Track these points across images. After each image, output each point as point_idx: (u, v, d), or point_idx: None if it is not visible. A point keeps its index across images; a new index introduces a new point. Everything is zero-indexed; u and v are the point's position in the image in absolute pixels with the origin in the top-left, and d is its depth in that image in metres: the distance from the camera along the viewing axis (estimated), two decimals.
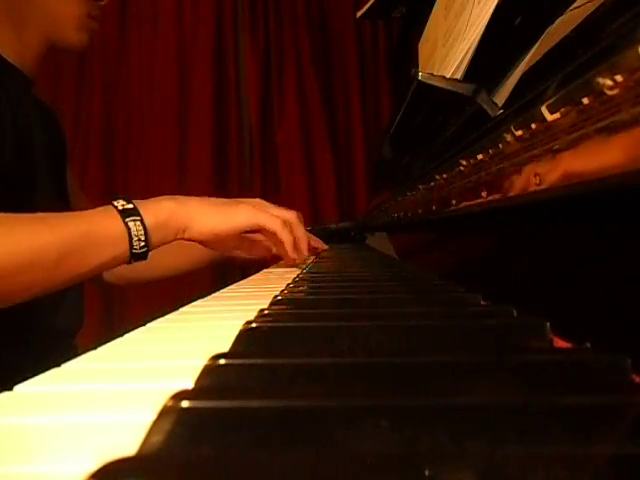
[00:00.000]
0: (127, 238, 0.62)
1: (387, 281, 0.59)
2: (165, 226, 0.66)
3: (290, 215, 0.77)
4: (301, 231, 0.78)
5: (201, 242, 0.72)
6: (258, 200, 0.78)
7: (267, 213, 0.73)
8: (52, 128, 0.96)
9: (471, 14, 0.52)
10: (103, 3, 0.89)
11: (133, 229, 0.62)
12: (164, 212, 0.66)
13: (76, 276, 0.62)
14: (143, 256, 0.65)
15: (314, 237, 1.05)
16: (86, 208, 1.01)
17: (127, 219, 0.62)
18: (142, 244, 0.63)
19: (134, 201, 0.65)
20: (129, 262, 0.65)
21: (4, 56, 0.83)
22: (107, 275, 1.05)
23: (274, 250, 0.83)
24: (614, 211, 0.27)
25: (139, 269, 1.10)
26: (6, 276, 0.56)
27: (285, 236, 0.73)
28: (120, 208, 0.63)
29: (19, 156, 0.81)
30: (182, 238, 0.69)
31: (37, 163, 0.86)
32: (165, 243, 0.67)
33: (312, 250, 1.01)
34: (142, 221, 0.63)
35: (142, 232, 0.63)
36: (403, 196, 0.81)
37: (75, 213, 0.63)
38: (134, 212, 0.63)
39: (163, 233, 0.66)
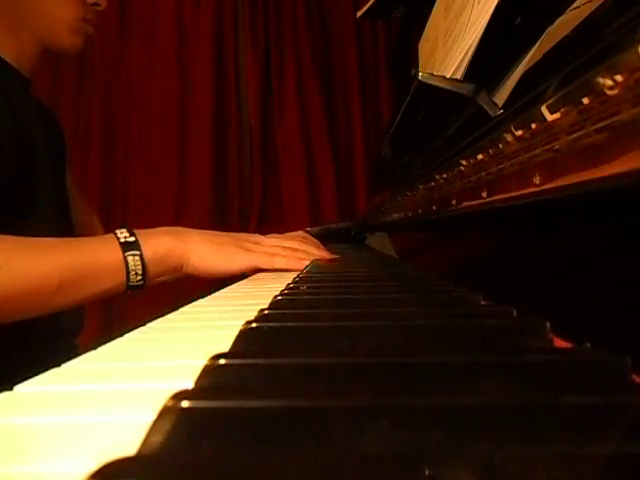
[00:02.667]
0: (125, 272, 0.64)
1: (387, 281, 0.59)
2: (163, 261, 0.68)
3: (292, 243, 0.79)
4: (304, 256, 0.79)
5: (196, 277, 0.73)
6: (257, 236, 0.79)
7: (263, 253, 0.74)
8: (52, 128, 0.96)
9: (471, 14, 0.52)
10: (101, 8, 0.89)
11: (131, 264, 0.64)
12: (163, 247, 0.67)
13: (71, 304, 0.64)
14: (139, 287, 0.66)
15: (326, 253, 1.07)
16: (84, 210, 1.01)
17: (127, 253, 0.64)
18: (139, 278, 0.65)
19: (136, 232, 0.66)
20: (125, 292, 0.67)
21: (2, 56, 0.83)
22: None
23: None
24: (614, 211, 0.27)
25: None
26: (9, 301, 0.57)
27: (280, 265, 0.75)
28: (122, 240, 0.64)
29: (20, 156, 0.81)
30: (179, 272, 0.71)
31: (39, 163, 0.86)
32: (162, 276, 0.69)
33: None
34: (141, 256, 0.65)
35: (140, 267, 0.65)
36: (403, 196, 0.81)
37: (77, 241, 0.66)
38: (134, 246, 0.65)
39: (161, 267, 0.68)
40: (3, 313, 0.59)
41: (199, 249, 0.70)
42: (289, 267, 0.76)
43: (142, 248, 0.65)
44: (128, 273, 0.64)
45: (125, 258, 0.64)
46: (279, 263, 0.75)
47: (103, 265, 0.63)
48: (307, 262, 0.78)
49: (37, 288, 0.58)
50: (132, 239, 0.65)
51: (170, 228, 0.71)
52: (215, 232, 0.77)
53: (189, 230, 0.73)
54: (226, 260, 0.72)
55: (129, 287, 0.65)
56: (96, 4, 0.88)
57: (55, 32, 0.85)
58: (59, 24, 0.84)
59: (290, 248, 0.78)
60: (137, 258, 0.64)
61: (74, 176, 1.06)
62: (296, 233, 1.18)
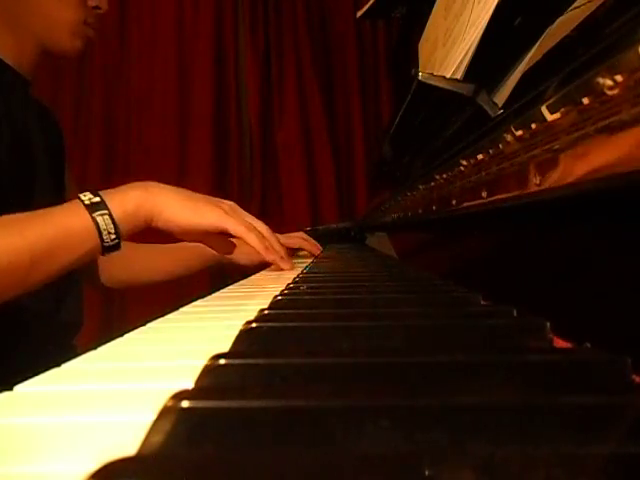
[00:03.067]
0: (96, 233, 0.62)
1: (387, 281, 0.59)
2: (134, 216, 0.66)
3: (258, 223, 0.77)
4: (272, 237, 0.78)
5: (168, 232, 0.71)
6: (231, 203, 0.77)
7: (235, 218, 0.73)
8: (51, 129, 0.96)
9: (471, 14, 0.52)
10: (102, 11, 0.88)
11: (102, 224, 0.62)
12: (132, 202, 0.65)
13: (49, 276, 0.62)
14: (115, 247, 0.65)
15: (300, 241, 1.07)
16: None
17: (94, 214, 0.62)
18: (113, 237, 0.63)
19: (101, 192, 0.64)
20: (102, 254, 0.65)
21: (1, 57, 0.83)
22: (106, 280, 1.06)
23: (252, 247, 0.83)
24: (614, 211, 0.27)
25: (137, 274, 1.10)
26: None
27: (252, 239, 0.73)
28: (87, 202, 0.62)
29: (17, 156, 0.81)
30: (150, 226, 0.69)
31: (36, 164, 0.86)
32: (136, 231, 0.67)
33: (291, 252, 1.03)
34: (110, 214, 0.63)
35: (111, 226, 0.63)
36: (403, 196, 0.81)
37: (43, 212, 0.63)
38: (101, 206, 0.63)
39: (132, 223, 0.66)
40: None
41: (170, 202, 0.69)
42: (258, 247, 0.74)
43: (109, 206, 0.63)
44: (101, 234, 0.62)
45: (94, 219, 0.62)
46: (250, 238, 0.73)
47: (73, 231, 0.61)
48: (274, 256, 0.77)
49: (7, 267, 0.57)
50: (97, 199, 0.63)
51: (139, 182, 0.69)
52: (188, 190, 0.75)
53: (160, 184, 0.71)
54: (198, 215, 0.70)
55: (105, 249, 0.63)
56: (97, 7, 0.87)
57: (55, 34, 0.85)
58: (60, 26, 0.84)
59: (261, 232, 0.76)
60: (107, 217, 0.62)
61: (74, 176, 1.06)
62: (297, 234, 1.18)
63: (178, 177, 2.04)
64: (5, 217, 0.60)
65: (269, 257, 0.77)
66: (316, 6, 2.11)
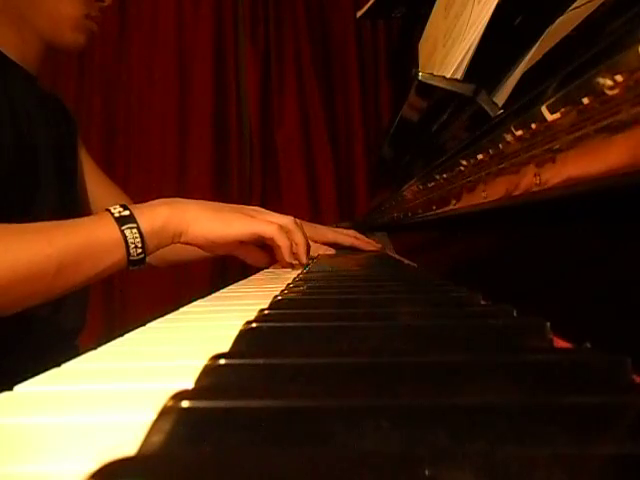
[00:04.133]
0: (124, 246, 0.62)
1: (387, 281, 0.59)
2: (161, 232, 0.66)
3: (287, 220, 0.77)
4: (299, 236, 0.78)
5: (197, 246, 0.72)
6: (256, 208, 0.77)
7: (263, 220, 0.73)
8: (60, 121, 0.95)
9: (471, 14, 0.52)
10: (105, 4, 0.88)
11: (130, 237, 0.63)
12: (160, 218, 0.66)
13: (74, 285, 0.62)
14: (141, 262, 0.65)
15: (317, 244, 1.05)
16: (110, 191, 0.99)
17: (123, 227, 0.62)
18: (139, 251, 0.63)
19: (130, 206, 0.65)
20: (127, 268, 0.65)
21: (6, 53, 0.83)
22: (151, 258, 1.05)
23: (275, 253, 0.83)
24: (614, 211, 0.27)
25: (183, 252, 1.10)
26: (6, 289, 0.56)
27: (282, 241, 0.73)
28: (116, 215, 0.63)
29: (20, 155, 0.81)
30: (179, 242, 0.69)
31: (40, 163, 0.86)
32: (162, 248, 0.68)
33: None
34: (138, 228, 0.63)
35: (139, 239, 0.63)
36: (403, 196, 0.81)
37: (72, 222, 0.63)
38: (130, 219, 0.63)
39: (159, 239, 0.66)
40: (5, 302, 0.58)
41: (197, 217, 0.69)
42: (284, 253, 0.74)
43: (138, 220, 0.63)
44: (128, 247, 0.62)
45: (123, 232, 0.62)
46: (280, 239, 0.74)
47: (101, 242, 0.62)
48: (303, 258, 0.77)
49: (36, 274, 0.57)
50: (127, 213, 0.63)
51: (166, 199, 0.69)
52: (213, 202, 0.75)
53: (186, 200, 0.71)
54: (226, 225, 0.70)
55: (130, 262, 0.64)
56: (100, 0, 0.87)
57: (58, 29, 0.85)
58: (62, 21, 0.84)
59: (295, 233, 0.76)
60: (135, 231, 0.63)
61: (93, 164, 1.05)
62: (349, 231, 1.14)
63: (178, 177, 2.04)
64: (33, 224, 0.60)
65: (287, 263, 0.77)
66: (316, 6, 2.11)
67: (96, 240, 0.62)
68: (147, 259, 1.07)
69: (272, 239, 0.73)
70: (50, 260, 0.58)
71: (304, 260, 0.79)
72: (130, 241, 0.62)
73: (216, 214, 0.71)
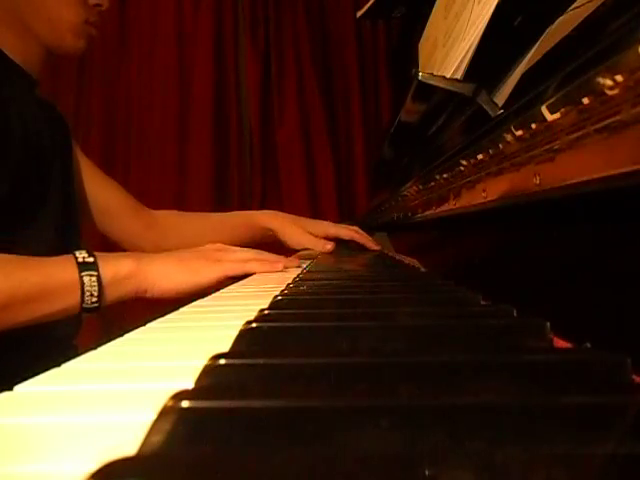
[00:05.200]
0: (79, 292, 0.62)
1: (387, 281, 0.59)
2: (122, 284, 0.66)
3: (250, 254, 0.78)
4: (269, 257, 0.79)
5: (167, 299, 0.71)
6: (219, 246, 0.77)
7: (229, 261, 0.73)
8: (57, 126, 0.96)
9: (471, 14, 0.52)
10: (103, 9, 0.89)
11: (87, 283, 0.62)
12: (124, 269, 0.66)
13: (20, 322, 0.62)
14: (94, 310, 0.64)
15: (317, 238, 1.06)
16: (106, 186, 1.00)
17: (83, 273, 0.62)
18: (94, 299, 0.63)
19: (96, 254, 0.64)
20: (79, 314, 0.65)
21: (10, 56, 0.84)
22: (156, 248, 1.05)
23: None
24: (614, 211, 0.27)
25: (188, 242, 1.10)
26: None
27: (255, 268, 0.75)
28: (79, 260, 0.63)
29: (29, 154, 0.82)
30: (144, 297, 0.69)
31: (46, 162, 0.87)
32: (122, 299, 0.67)
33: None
34: (98, 277, 0.63)
35: (96, 288, 0.63)
36: (403, 196, 0.81)
37: (34, 259, 0.63)
38: (92, 267, 0.63)
39: (120, 291, 0.66)
40: None
41: (163, 270, 0.69)
42: (263, 270, 0.75)
43: (100, 269, 0.63)
44: (83, 294, 0.62)
45: (81, 278, 0.62)
46: (251, 267, 0.74)
47: (57, 284, 0.61)
48: (280, 266, 0.78)
49: None
50: (90, 259, 0.63)
51: (133, 253, 0.70)
52: (179, 251, 0.75)
53: (152, 254, 0.72)
54: (193, 275, 0.70)
55: (83, 309, 0.63)
56: (98, 5, 0.88)
57: (58, 35, 0.85)
58: (62, 27, 0.85)
59: (261, 256, 0.77)
60: (94, 279, 0.62)
61: (85, 157, 1.06)
62: (351, 227, 1.15)
63: (178, 177, 2.04)
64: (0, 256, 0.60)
65: (274, 267, 0.78)
66: (316, 6, 2.11)
67: (53, 281, 0.61)
68: (149, 250, 1.07)
69: (244, 273, 0.74)
70: (1, 291, 0.58)
71: (287, 265, 0.80)
72: (87, 288, 0.62)
73: (182, 264, 0.71)
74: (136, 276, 0.66)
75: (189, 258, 0.72)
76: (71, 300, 0.62)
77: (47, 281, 0.61)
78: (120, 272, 0.65)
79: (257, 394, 0.18)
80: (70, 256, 0.63)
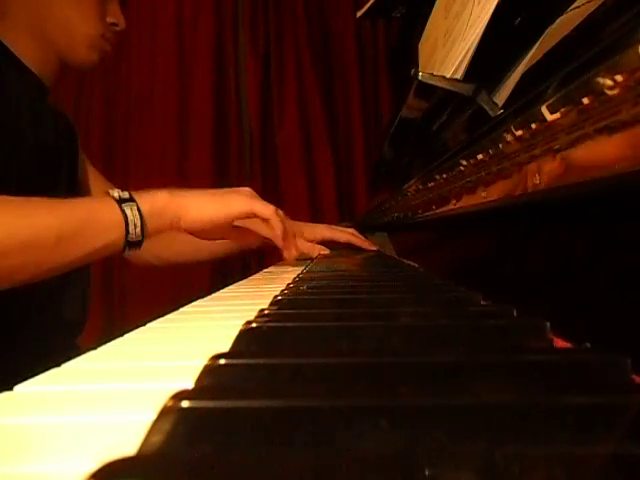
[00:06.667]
0: (123, 224, 0.63)
1: (387, 281, 0.59)
2: (160, 215, 0.67)
3: (277, 209, 0.80)
4: (288, 223, 0.81)
5: (193, 231, 0.73)
6: (249, 189, 0.80)
7: (260, 201, 0.76)
8: (66, 133, 0.98)
9: (471, 14, 0.52)
10: (118, 29, 0.93)
11: (130, 215, 0.64)
12: (160, 201, 0.68)
13: (72, 260, 0.63)
14: (138, 244, 0.66)
15: (312, 244, 1.06)
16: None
17: (124, 205, 0.64)
18: (138, 231, 0.64)
19: (130, 191, 0.66)
20: (122, 251, 0.65)
21: (26, 63, 0.85)
22: (151, 257, 1.08)
23: (264, 233, 0.84)
24: (614, 211, 0.27)
25: (182, 252, 1.12)
26: (6, 254, 0.56)
27: (277, 223, 0.77)
28: (116, 196, 0.64)
29: (39, 156, 0.83)
30: (178, 227, 0.70)
31: (55, 164, 0.88)
32: (160, 232, 0.69)
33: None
34: (138, 208, 0.64)
35: (138, 218, 0.64)
36: (403, 196, 0.81)
37: (73, 199, 0.65)
38: (130, 200, 0.65)
39: (158, 221, 0.67)
40: (2, 270, 0.57)
41: (195, 201, 0.71)
42: (277, 233, 0.77)
43: (138, 202, 0.65)
44: (127, 225, 0.63)
45: (123, 210, 0.63)
46: (276, 223, 0.76)
47: (101, 218, 0.63)
48: (287, 243, 0.79)
49: (33, 241, 0.57)
50: (126, 195, 0.65)
51: (165, 189, 0.72)
52: (208, 190, 0.78)
53: (184, 189, 0.74)
54: (224, 206, 0.73)
55: (128, 243, 0.64)
56: (114, 24, 0.92)
57: (74, 47, 0.88)
58: (79, 39, 0.87)
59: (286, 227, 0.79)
60: (135, 210, 0.64)
61: (92, 166, 1.07)
62: (347, 229, 1.17)
63: (178, 177, 2.04)
64: (36, 198, 0.61)
65: (283, 243, 0.80)
66: (316, 6, 2.11)
67: (97, 215, 0.63)
68: (148, 258, 1.08)
69: (268, 220, 0.76)
70: (50, 230, 0.59)
71: (292, 248, 0.82)
72: (130, 219, 0.64)
73: (213, 197, 0.74)
74: (171, 206, 0.69)
75: (218, 193, 0.76)
76: (117, 232, 0.63)
77: (91, 216, 0.62)
78: (156, 203, 0.67)
79: (257, 394, 0.18)
80: (106, 194, 0.65)
